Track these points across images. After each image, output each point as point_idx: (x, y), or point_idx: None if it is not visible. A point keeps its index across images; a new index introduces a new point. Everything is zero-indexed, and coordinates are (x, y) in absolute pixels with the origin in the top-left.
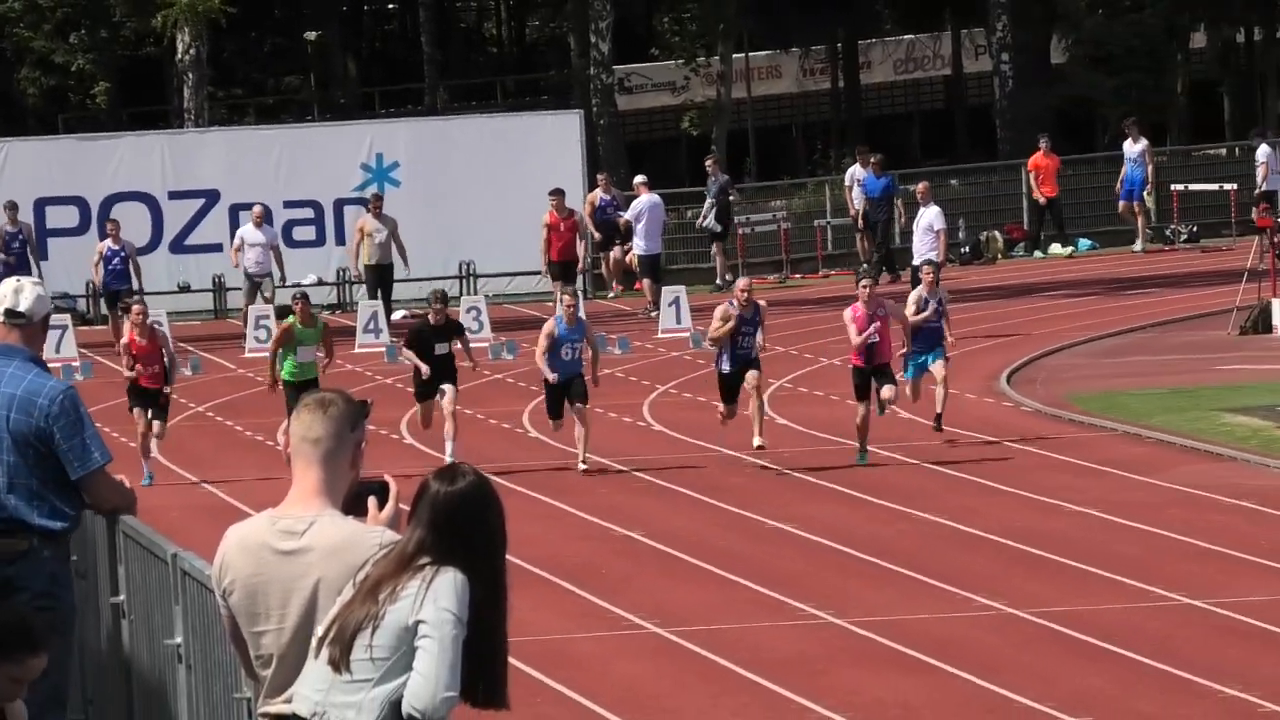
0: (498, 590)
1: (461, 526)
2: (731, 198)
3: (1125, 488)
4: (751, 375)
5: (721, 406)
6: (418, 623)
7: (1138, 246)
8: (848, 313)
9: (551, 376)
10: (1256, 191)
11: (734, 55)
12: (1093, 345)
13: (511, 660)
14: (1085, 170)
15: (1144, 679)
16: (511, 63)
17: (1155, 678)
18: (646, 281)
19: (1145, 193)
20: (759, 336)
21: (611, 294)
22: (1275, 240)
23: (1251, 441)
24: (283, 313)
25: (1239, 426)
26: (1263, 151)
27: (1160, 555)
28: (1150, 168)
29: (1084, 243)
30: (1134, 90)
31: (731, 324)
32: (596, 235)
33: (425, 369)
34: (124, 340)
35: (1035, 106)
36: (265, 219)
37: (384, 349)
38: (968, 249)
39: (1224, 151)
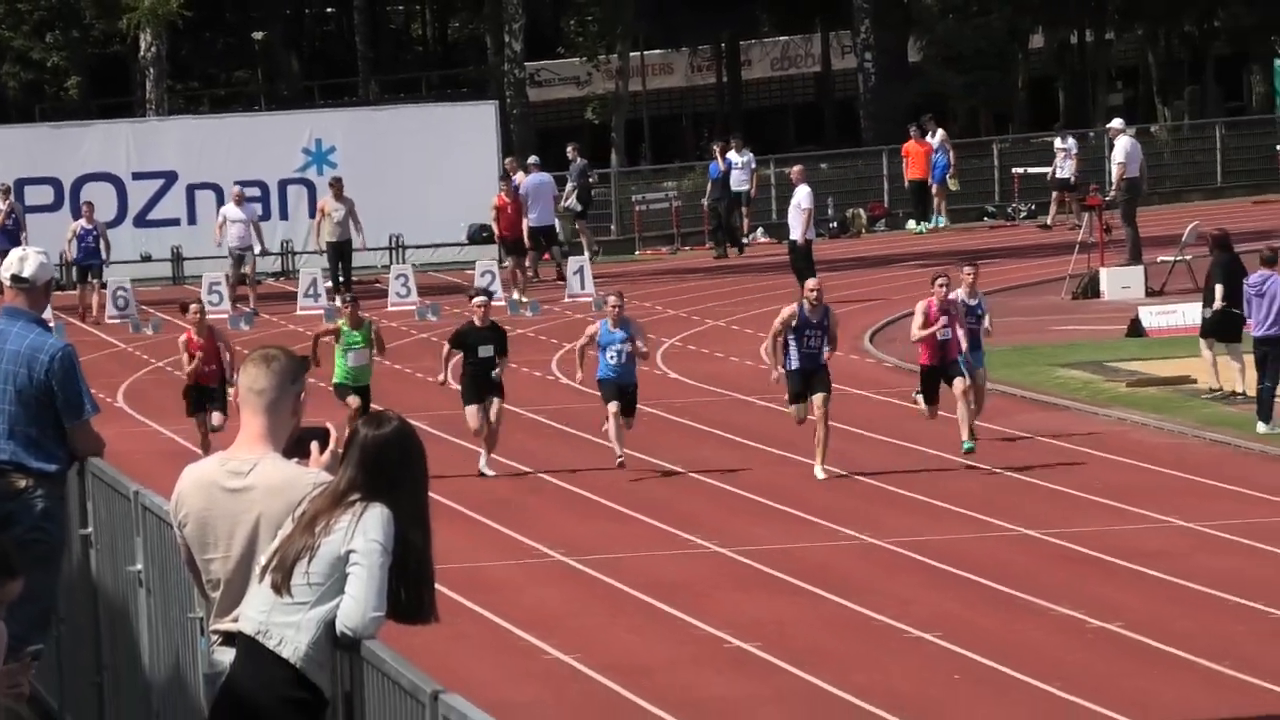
0: (421, 521)
1: (387, 467)
2: (591, 180)
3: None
4: (820, 398)
5: (791, 408)
6: (349, 552)
7: (941, 223)
8: (920, 305)
9: (587, 377)
10: (1049, 177)
11: (631, 53)
12: None
13: (436, 582)
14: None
15: (987, 600)
16: (435, 59)
17: (997, 598)
18: (555, 249)
19: (948, 176)
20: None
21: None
22: (1103, 217)
23: (1082, 393)
24: (241, 279)
25: (1071, 379)
26: (1070, 144)
27: (1002, 492)
28: (951, 154)
29: (939, 219)
30: (981, 86)
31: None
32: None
33: (441, 378)
34: (183, 339)
35: (895, 100)
36: (244, 198)
37: (323, 311)
38: (836, 224)
39: (1059, 140)
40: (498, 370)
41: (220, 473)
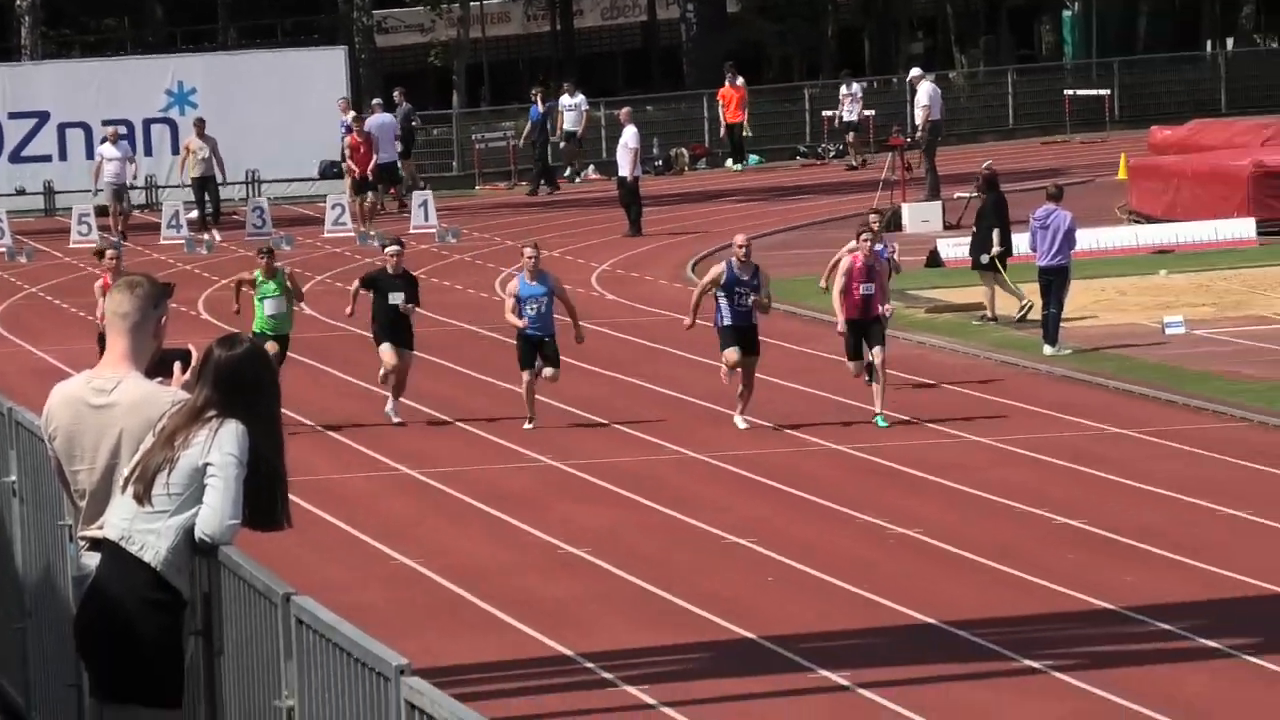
0: (274, 435)
1: (240, 385)
2: (415, 123)
3: (785, 355)
4: (750, 361)
5: (725, 365)
6: (206, 465)
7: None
8: (845, 261)
9: (520, 323)
10: (836, 121)
11: (471, 2)
12: (760, 240)
13: (291, 494)
14: (755, 99)
15: (798, 508)
16: (290, 7)
17: (807, 507)
18: (399, 185)
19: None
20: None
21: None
22: (905, 157)
23: (897, 318)
24: (100, 212)
25: None
26: (855, 90)
27: (810, 408)
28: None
29: (753, 158)
30: (792, 35)
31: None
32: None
33: (349, 310)
34: (98, 284)
35: (714, 48)
36: (119, 137)
37: (184, 241)
38: (661, 163)
39: (866, 84)
40: (410, 307)
41: (86, 390)
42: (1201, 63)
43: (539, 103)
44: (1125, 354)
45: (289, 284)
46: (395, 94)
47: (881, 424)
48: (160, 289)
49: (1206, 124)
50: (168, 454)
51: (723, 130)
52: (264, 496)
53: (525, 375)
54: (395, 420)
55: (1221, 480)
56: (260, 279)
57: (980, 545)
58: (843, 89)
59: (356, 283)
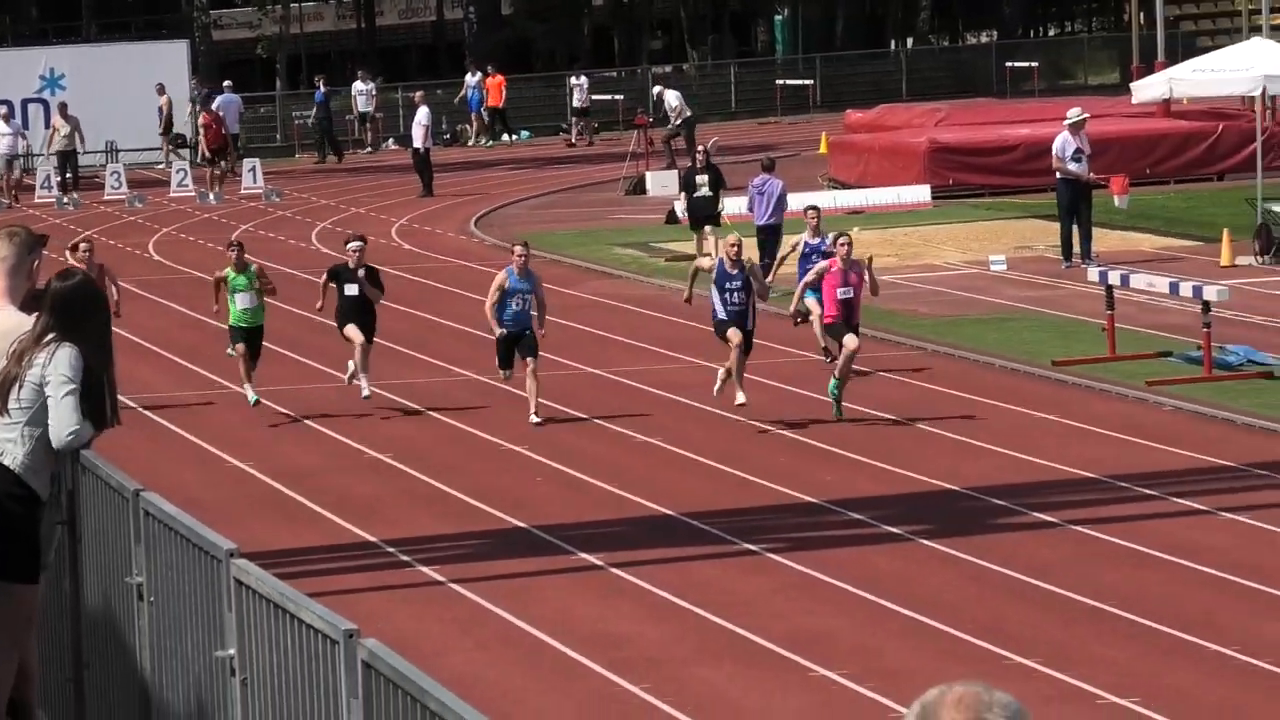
0: (104, 353)
1: (74, 312)
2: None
3: (552, 295)
4: (734, 332)
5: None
6: (45, 383)
7: (482, 142)
8: (822, 265)
9: (500, 331)
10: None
11: (291, 3)
12: (530, 202)
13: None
14: (524, 86)
15: (565, 421)
16: (142, 6)
17: (573, 420)
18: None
19: (483, 108)
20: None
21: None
22: (648, 134)
23: (632, 266)
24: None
25: (624, 255)
26: (582, 81)
27: (573, 342)
28: (487, 92)
29: (524, 133)
30: (556, 32)
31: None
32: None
33: (319, 305)
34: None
35: (490, 44)
36: (10, 115)
37: (54, 199)
38: (449, 136)
39: (615, 74)
40: (370, 292)
41: None
42: (887, 58)
43: (321, 88)
44: None
45: (260, 278)
46: (223, 84)
47: (835, 391)
48: (36, 239)
49: (891, 108)
50: (17, 372)
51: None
52: (95, 403)
53: (502, 374)
54: (366, 392)
55: (903, 398)
56: (232, 275)
57: (705, 447)
58: (571, 79)
59: (324, 276)
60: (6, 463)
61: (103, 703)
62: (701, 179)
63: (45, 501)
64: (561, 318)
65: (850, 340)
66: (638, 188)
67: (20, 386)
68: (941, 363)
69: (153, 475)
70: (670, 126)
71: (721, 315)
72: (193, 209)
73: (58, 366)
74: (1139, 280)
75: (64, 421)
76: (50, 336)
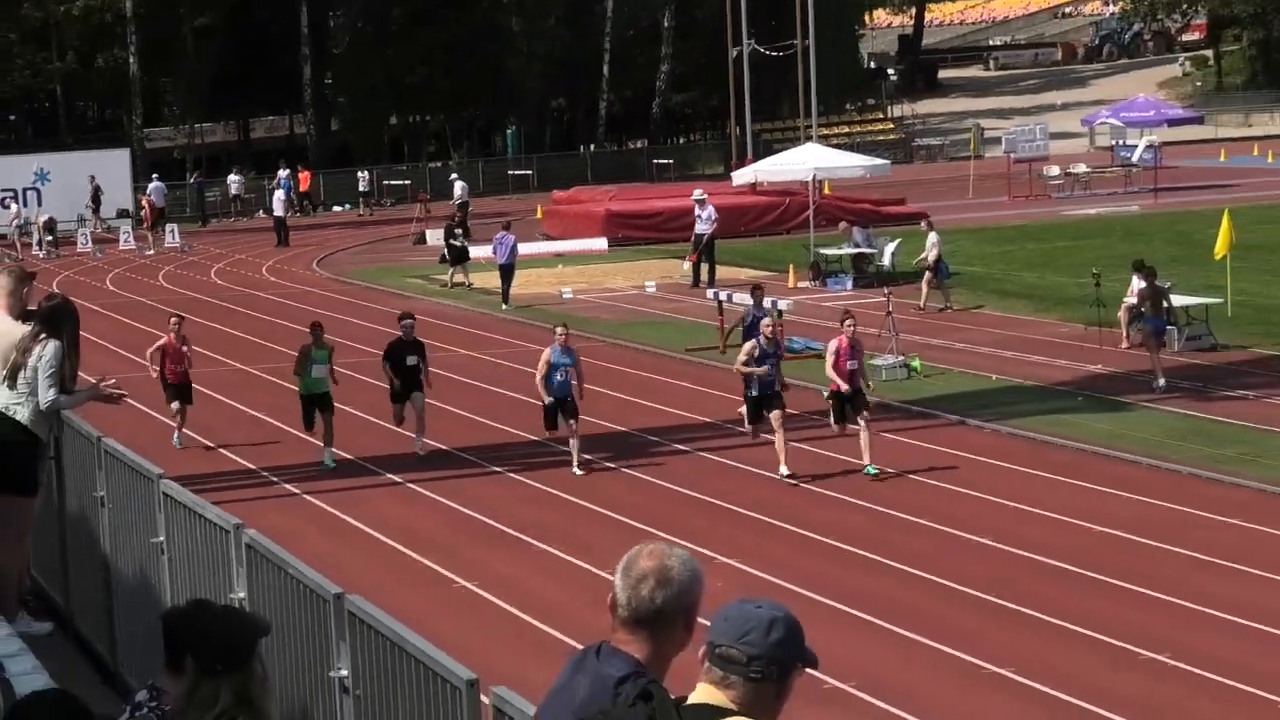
0: (75, 346)
1: (55, 318)
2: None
3: (366, 311)
4: (776, 415)
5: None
6: (36, 368)
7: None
8: (832, 344)
9: (548, 400)
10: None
11: (196, 124)
12: (351, 249)
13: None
14: (342, 175)
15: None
16: (99, 125)
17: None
18: None
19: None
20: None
21: None
22: (426, 205)
23: (418, 289)
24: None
25: (412, 283)
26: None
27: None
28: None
29: (346, 205)
30: (366, 141)
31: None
32: None
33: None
34: (161, 342)
35: (324, 146)
36: (15, 199)
37: (45, 253)
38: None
39: (405, 167)
40: (423, 375)
41: None
42: (578, 156)
43: (198, 178)
44: (546, 308)
45: (330, 354)
46: (154, 176)
47: (871, 471)
48: (26, 275)
49: (581, 189)
50: (22, 360)
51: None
52: (69, 379)
53: (548, 433)
54: (422, 452)
55: (597, 373)
56: (314, 350)
57: (492, 414)
58: (360, 173)
59: (385, 363)
60: (19, 418)
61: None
62: (459, 231)
63: (43, 442)
64: (380, 323)
65: (864, 418)
66: (420, 240)
67: (24, 369)
68: (616, 351)
69: (113, 428)
70: (458, 200)
71: (755, 392)
72: (135, 257)
73: (44, 356)
74: (739, 297)
75: (44, 395)
76: (43, 335)
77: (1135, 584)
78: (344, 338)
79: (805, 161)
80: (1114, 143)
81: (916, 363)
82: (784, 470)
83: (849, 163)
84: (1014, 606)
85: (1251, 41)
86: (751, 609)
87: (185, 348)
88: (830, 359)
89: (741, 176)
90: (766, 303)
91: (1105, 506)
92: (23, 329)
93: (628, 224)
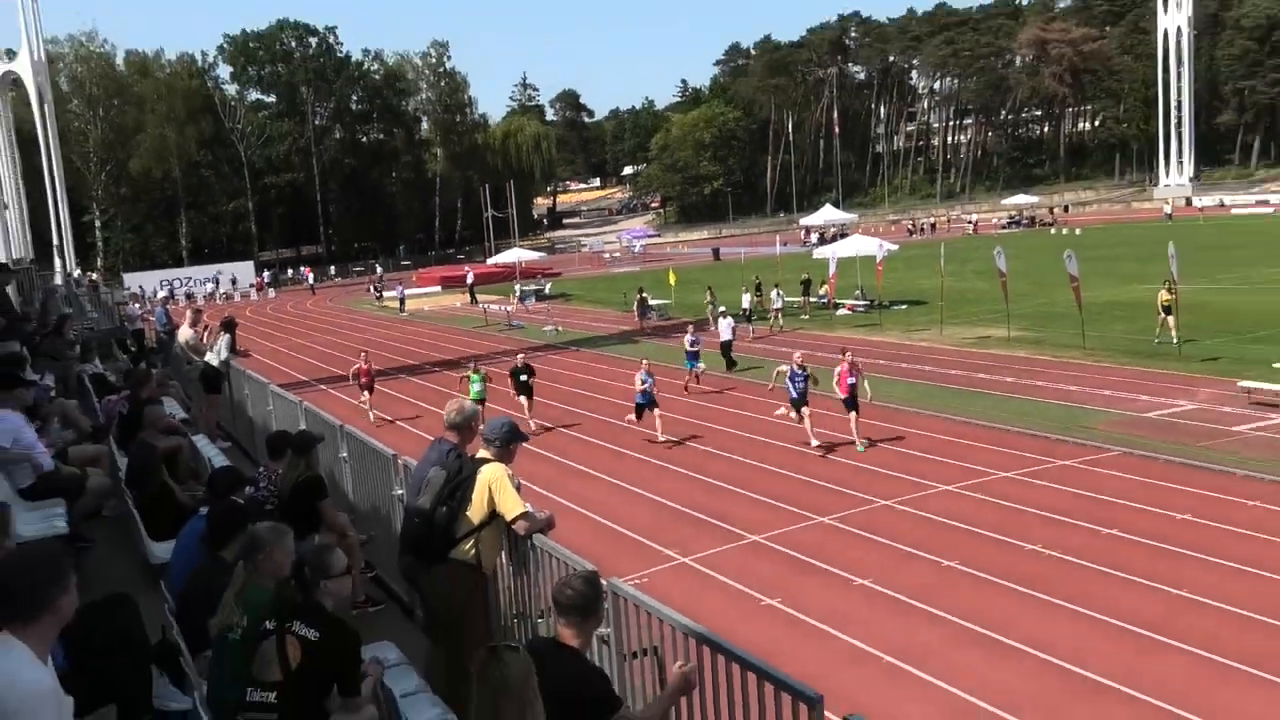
0: None
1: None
2: None
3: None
4: (806, 410)
5: (793, 413)
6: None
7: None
8: (839, 369)
9: (639, 402)
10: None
11: None
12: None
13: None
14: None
15: None
16: None
17: None
18: None
19: None
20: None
21: None
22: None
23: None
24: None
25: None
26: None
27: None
28: None
29: None
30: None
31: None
32: None
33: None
34: (355, 368)
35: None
36: None
37: None
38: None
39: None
40: (531, 382)
41: None
42: (428, 255)
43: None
44: (432, 313)
45: (485, 376)
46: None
47: (860, 449)
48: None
49: (434, 269)
50: None
51: None
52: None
53: (636, 420)
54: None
55: (444, 341)
56: (473, 375)
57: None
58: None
59: (510, 375)
60: None
61: None
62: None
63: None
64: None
65: (855, 412)
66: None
67: None
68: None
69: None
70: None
71: (795, 395)
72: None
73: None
74: (494, 306)
75: None
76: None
77: None
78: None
79: (520, 256)
80: (627, 241)
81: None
82: (813, 442)
83: (536, 255)
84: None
85: (676, 207)
86: (498, 419)
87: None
88: (835, 378)
89: (496, 259)
90: (689, 338)
91: None
92: None
93: (448, 279)
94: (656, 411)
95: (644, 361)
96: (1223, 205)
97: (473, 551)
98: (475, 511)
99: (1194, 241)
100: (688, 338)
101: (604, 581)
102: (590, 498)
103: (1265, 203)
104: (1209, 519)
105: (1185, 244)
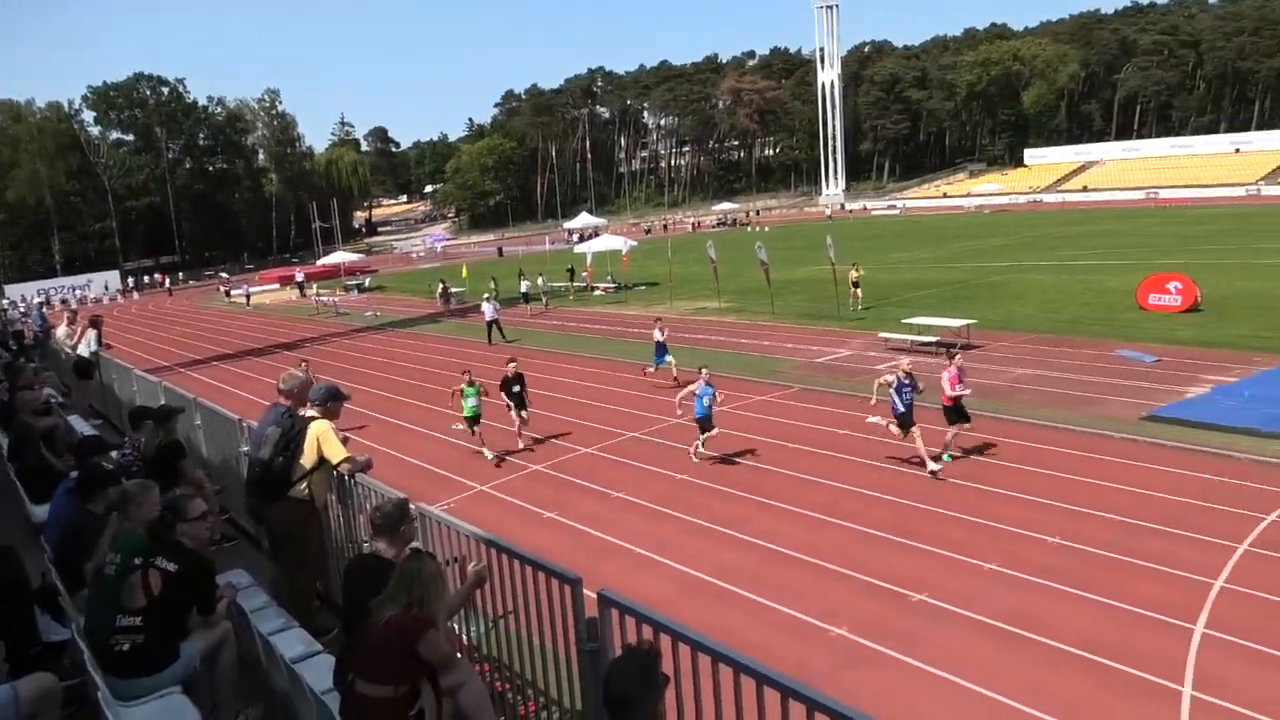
0: None
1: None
2: None
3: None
4: (915, 429)
5: (898, 430)
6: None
7: None
8: (947, 373)
9: (697, 418)
10: None
11: None
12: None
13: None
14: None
15: None
16: None
17: None
18: None
19: None
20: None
21: None
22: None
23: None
24: None
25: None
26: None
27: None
28: None
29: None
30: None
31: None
32: None
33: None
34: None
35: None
36: None
37: None
38: None
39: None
40: (525, 395)
41: None
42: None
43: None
44: (272, 306)
45: (481, 387)
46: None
47: (946, 459)
48: None
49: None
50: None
51: None
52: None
53: (703, 438)
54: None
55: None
56: (466, 388)
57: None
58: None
59: (500, 386)
60: None
61: None
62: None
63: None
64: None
65: (966, 425)
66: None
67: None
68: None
69: None
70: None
71: (901, 409)
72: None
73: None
74: (332, 298)
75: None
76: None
77: None
78: None
79: (344, 257)
80: (430, 243)
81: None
82: (932, 466)
83: (357, 257)
84: None
85: (468, 216)
86: (320, 384)
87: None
88: (945, 385)
89: (324, 261)
90: (658, 333)
91: None
92: None
93: (284, 278)
94: (703, 435)
95: (703, 370)
96: (865, 209)
97: (306, 491)
98: (307, 459)
99: (847, 235)
100: (657, 333)
101: (413, 506)
102: (407, 444)
103: (894, 207)
104: (848, 427)
105: (841, 236)
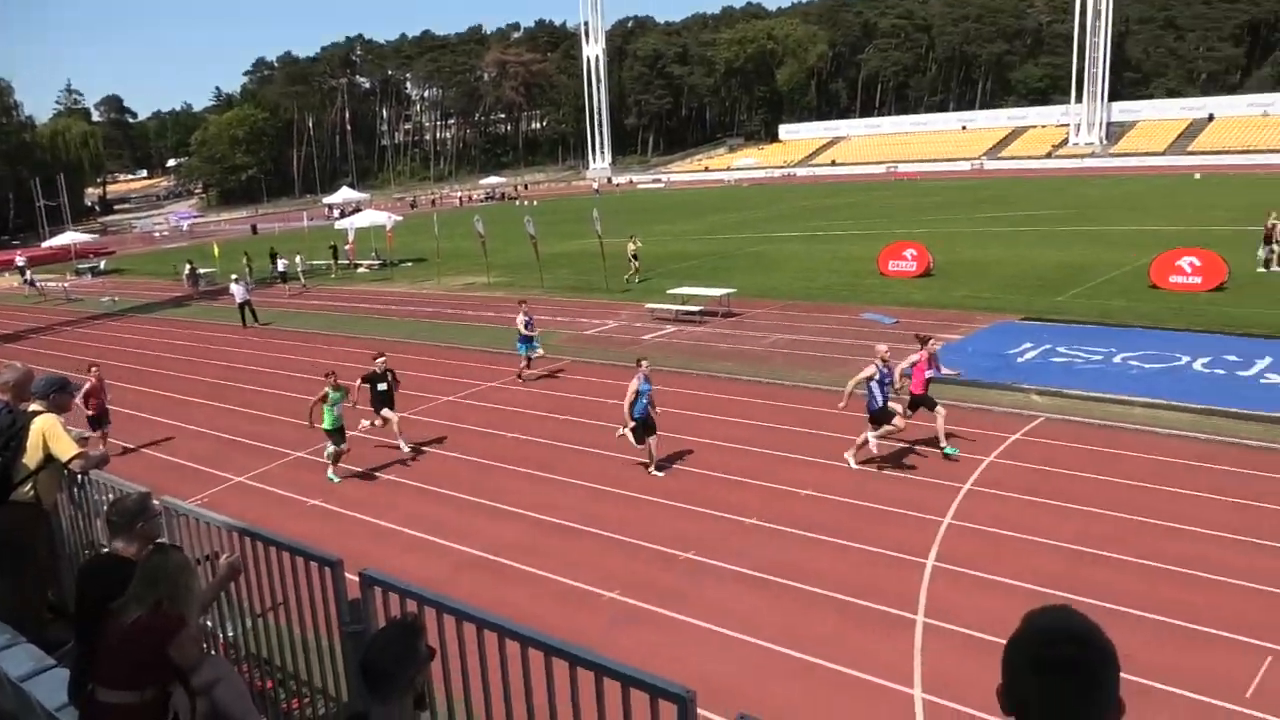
0: None
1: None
2: None
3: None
4: (899, 419)
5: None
6: None
7: None
8: (914, 358)
9: (632, 423)
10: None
11: None
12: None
13: None
14: None
15: None
16: None
17: None
18: None
19: None
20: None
21: None
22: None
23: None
24: None
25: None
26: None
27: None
28: None
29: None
30: None
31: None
32: None
33: (353, 404)
34: (86, 387)
35: None
36: None
37: None
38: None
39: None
40: (393, 391)
41: None
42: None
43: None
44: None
45: (347, 393)
46: None
47: (949, 451)
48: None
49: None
50: None
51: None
52: None
53: (639, 446)
54: (407, 450)
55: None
56: (330, 393)
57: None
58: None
59: (359, 381)
60: None
61: None
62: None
63: None
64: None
65: (940, 411)
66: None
67: None
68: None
69: None
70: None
71: (880, 403)
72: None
73: None
74: (38, 278)
75: None
76: None
77: None
78: None
79: (74, 238)
80: (175, 221)
81: None
82: (947, 447)
83: (90, 237)
84: None
85: (217, 192)
86: (42, 377)
87: None
88: (904, 367)
89: (51, 243)
90: (520, 319)
91: None
92: None
93: (2, 264)
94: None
95: (641, 363)
96: (631, 182)
97: (31, 492)
98: (30, 458)
99: (614, 208)
100: (520, 318)
101: (156, 501)
102: (150, 437)
103: (659, 181)
104: (616, 398)
105: (608, 210)
